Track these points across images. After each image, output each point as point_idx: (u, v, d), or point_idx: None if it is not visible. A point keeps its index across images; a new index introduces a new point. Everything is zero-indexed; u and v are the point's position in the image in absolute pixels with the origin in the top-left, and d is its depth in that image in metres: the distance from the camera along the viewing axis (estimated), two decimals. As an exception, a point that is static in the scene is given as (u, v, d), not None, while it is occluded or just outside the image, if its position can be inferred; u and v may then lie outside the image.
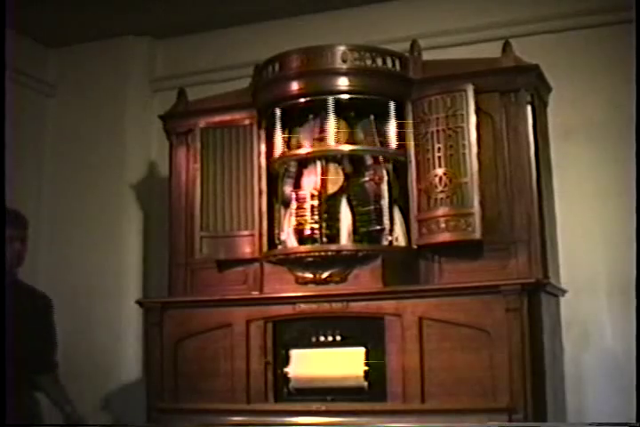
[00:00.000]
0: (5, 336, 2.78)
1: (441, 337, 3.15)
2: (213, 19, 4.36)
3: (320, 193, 3.40)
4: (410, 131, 3.42)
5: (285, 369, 3.33)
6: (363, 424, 3.13)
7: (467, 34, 3.98)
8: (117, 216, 4.41)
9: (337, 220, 3.41)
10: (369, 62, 3.44)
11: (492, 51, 3.43)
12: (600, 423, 3.47)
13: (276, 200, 3.58)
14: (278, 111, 3.54)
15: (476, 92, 3.30)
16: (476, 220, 3.21)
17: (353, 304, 3.29)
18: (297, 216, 3.42)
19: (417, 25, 4.01)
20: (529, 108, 3.34)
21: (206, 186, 3.61)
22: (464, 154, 3.28)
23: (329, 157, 3.47)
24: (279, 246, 3.50)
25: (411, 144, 3.42)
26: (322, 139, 3.47)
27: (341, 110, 3.51)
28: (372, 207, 3.40)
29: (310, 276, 3.36)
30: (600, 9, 3.81)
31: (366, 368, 3.22)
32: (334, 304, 3.31)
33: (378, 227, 3.38)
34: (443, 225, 3.27)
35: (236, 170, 3.61)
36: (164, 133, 3.91)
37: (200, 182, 3.62)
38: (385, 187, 3.41)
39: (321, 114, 3.48)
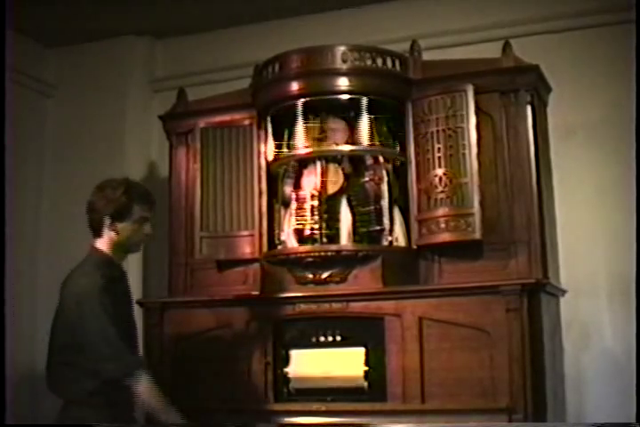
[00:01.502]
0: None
1: (441, 337, 3.15)
2: (213, 19, 4.36)
3: (320, 193, 3.40)
4: (410, 131, 3.42)
5: (285, 369, 3.33)
6: (363, 424, 3.13)
7: (467, 34, 3.98)
8: (117, 216, 4.40)
9: (337, 220, 3.41)
10: (369, 62, 3.44)
11: (492, 51, 3.43)
12: (600, 423, 3.47)
13: (276, 200, 3.58)
14: (272, 116, 3.55)
15: (476, 93, 3.30)
16: (476, 220, 3.21)
17: (353, 304, 3.29)
18: (297, 216, 3.42)
19: (417, 25, 4.01)
20: (529, 108, 3.34)
21: (206, 186, 3.61)
22: (464, 154, 3.28)
23: (329, 158, 3.47)
24: (279, 246, 3.50)
25: (411, 144, 3.42)
26: (322, 139, 3.46)
27: (341, 110, 3.51)
28: (371, 207, 3.40)
29: (310, 276, 3.35)
30: (600, 9, 3.81)
31: (366, 368, 3.22)
32: (334, 304, 3.31)
33: (378, 227, 3.38)
34: (443, 225, 3.27)
35: (236, 170, 3.61)
36: (164, 133, 3.91)
37: (200, 182, 3.62)
38: (385, 187, 3.41)
39: (321, 114, 3.48)
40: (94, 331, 2.67)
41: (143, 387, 2.68)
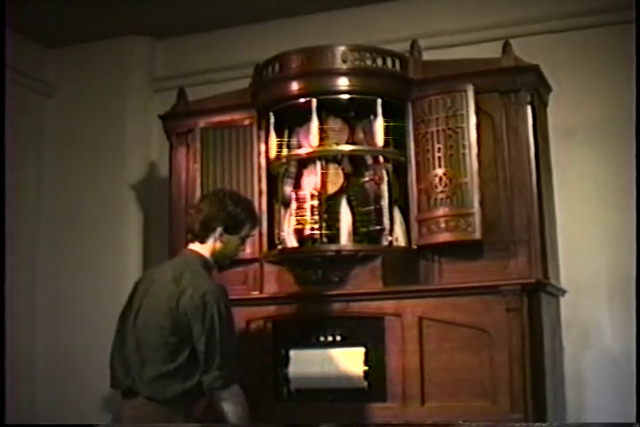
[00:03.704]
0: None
1: (441, 337, 3.15)
2: (213, 19, 4.36)
3: (320, 193, 3.40)
4: (410, 131, 3.42)
5: (285, 369, 3.33)
6: (362, 424, 3.13)
7: (467, 34, 3.98)
8: (117, 216, 4.41)
9: (337, 220, 3.40)
10: (369, 62, 3.44)
11: (492, 51, 3.43)
12: (600, 423, 3.47)
13: (276, 200, 3.58)
14: (272, 116, 3.54)
15: (476, 92, 3.30)
16: (476, 220, 3.21)
17: (353, 304, 3.28)
18: (297, 216, 3.42)
19: (417, 25, 4.02)
20: (529, 108, 3.34)
21: (206, 186, 3.60)
22: (464, 154, 3.28)
23: (329, 158, 3.46)
24: (279, 246, 3.50)
25: (411, 144, 3.42)
26: (322, 139, 3.46)
27: (341, 110, 3.51)
28: (372, 207, 3.40)
29: (310, 276, 3.35)
30: (600, 9, 3.81)
31: (366, 368, 3.22)
32: (334, 304, 3.31)
33: (378, 227, 3.38)
34: (443, 225, 3.27)
35: (236, 170, 3.61)
36: (163, 133, 3.90)
37: (200, 182, 3.62)
38: (385, 187, 3.40)
39: (321, 114, 3.48)
40: (214, 338, 2.69)
41: (236, 401, 2.72)
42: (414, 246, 3.37)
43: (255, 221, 3.00)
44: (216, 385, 2.69)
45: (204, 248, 2.88)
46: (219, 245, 2.87)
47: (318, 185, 3.41)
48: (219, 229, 2.86)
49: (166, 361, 2.71)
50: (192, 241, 2.91)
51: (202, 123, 3.70)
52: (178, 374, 2.71)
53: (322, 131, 3.45)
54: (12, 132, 4.07)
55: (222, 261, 2.98)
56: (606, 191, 3.71)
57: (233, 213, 2.87)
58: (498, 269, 3.23)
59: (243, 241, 2.96)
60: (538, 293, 3.14)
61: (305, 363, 3.31)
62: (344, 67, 3.40)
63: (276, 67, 3.51)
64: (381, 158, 3.44)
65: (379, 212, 3.39)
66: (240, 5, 4.21)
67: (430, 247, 3.34)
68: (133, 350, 2.78)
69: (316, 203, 3.39)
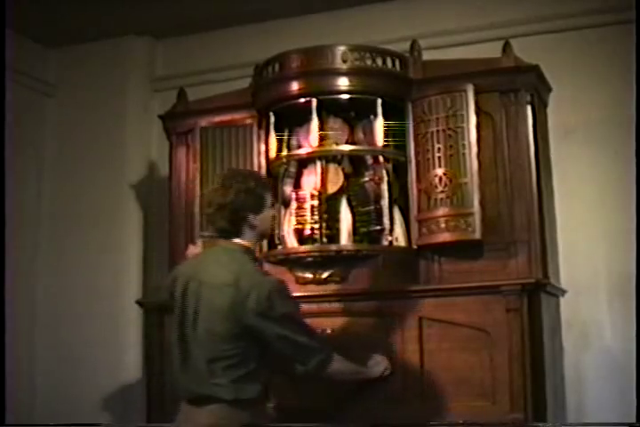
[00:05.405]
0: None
1: (441, 337, 3.15)
2: (213, 19, 4.36)
3: (320, 193, 3.40)
4: (410, 131, 3.42)
5: (285, 369, 3.33)
6: (363, 424, 3.13)
7: (467, 34, 3.98)
8: (117, 216, 4.41)
9: (337, 220, 3.40)
10: (369, 62, 3.44)
11: (492, 51, 3.43)
12: (600, 423, 3.47)
13: (276, 200, 3.58)
14: (272, 116, 3.54)
15: (476, 92, 3.30)
16: (476, 220, 3.21)
17: (353, 304, 3.28)
18: (297, 216, 3.42)
19: (417, 25, 4.02)
20: (529, 108, 3.34)
21: (206, 186, 3.60)
22: (464, 154, 3.28)
23: (329, 158, 3.46)
24: (279, 246, 3.50)
25: (411, 144, 3.42)
26: (322, 139, 3.46)
27: (341, 110, 3.51)
28: (372, 207, 3.40)
29: (310, 276, 3.35)
30: (600, 9, 3.81)
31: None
32: (334, 304, 3.31)
33: (378, 227, 3.38)
34: (443, 225, 3.27)
35: (236, 170, 3.61)
36: (164, 133, 3.91)
37: (200, 182, 3.62)
38: (385, 187, 3.40)
39: (321, 114, 3.48)
40: (295, 333, 2.60)
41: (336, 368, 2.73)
42: (414, 246, 3.37)
43: (269, 186, 2.80)
44: (323, 370, 2.67)
45: (243, 239, 2.68)
46: (256, 228, 2.68)
47: (318, 185, 3.41)
48: (250, 216, 2.65)
49: (240, 365, 2.57)
50: (226, 238, 2.68)
51: (202, 122, 3.70)
52: (253, 374, 2.58)
53: (322, 131, 3.44)
54: (12, 132, 4.08)
55: (265, 238, 3.04)
56: (606, 191, 3.71)
57: (250, 192, 2.65)
58: (498, 269, 3.23)
59: (272, 209, 2.77)
60: (538, 293, 3.13)
61: (305, 363, 3.30)
62: (344, 67, 3.40)
63: (276, 67, 3.51)
64: (381, 158, 3.44)
65: (379, 212, 3.39)
66: (240, 5, 4.22)
67: (430, 247, 3.34)
68: (201, 358, 2.61)
69: (316, 203, 3.39)
